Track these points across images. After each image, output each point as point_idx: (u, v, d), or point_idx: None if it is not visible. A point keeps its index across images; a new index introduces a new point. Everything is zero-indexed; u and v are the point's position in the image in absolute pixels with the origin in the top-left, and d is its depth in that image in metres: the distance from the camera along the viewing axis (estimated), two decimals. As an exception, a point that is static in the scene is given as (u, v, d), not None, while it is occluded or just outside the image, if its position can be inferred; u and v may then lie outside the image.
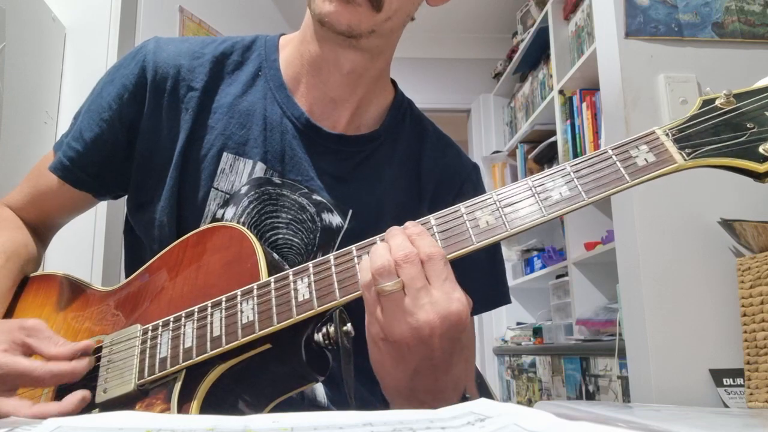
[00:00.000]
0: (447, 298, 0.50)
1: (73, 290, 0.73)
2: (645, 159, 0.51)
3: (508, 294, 0.87)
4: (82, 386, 0.61)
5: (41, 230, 0.85)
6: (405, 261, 0.50)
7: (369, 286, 0.52)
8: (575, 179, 0.52)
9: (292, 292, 0.56)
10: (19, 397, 0.57)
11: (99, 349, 0.63)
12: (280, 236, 0.76)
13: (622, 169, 0.51)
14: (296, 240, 0.76)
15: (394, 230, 0.54)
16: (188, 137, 0.75)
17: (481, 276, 0.83)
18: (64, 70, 1.72)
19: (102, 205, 1.55)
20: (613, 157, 0.52)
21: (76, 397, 0.57)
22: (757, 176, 0.50)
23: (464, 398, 0.57)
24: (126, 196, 0.82)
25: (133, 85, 0.76)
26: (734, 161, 0.50)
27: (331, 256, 0.56)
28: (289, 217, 0.76)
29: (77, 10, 1.74)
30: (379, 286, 0.51)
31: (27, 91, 1.54)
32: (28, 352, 0.59)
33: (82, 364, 0.58)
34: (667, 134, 0.52)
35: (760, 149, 0.49)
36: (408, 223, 0.55)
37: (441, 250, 0.52)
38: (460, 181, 0.85)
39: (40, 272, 0.78)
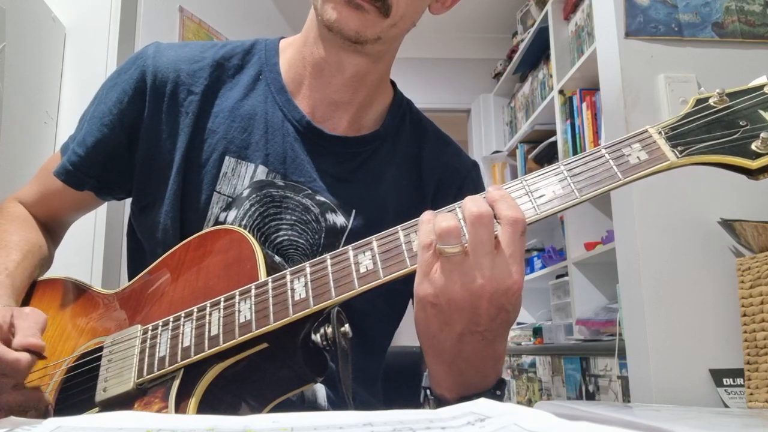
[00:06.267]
0: (507, 268, 0.49)
1: (78, 293, 0.74)
2: (638, 157, 0.52)
3: None
4: (84, 384, 0.62)
5: (51, 227, 0.86)
6: (478, 221, 0.49)
7: (428, 246, 0.50)
8: (568, 177, 0.52)
9: (289, 291, 0.56)
10: None
11: (100, 349, 0.64)
12: (285, 237, 0.76)
13: (614, 167, 0.52)
14: (301, 241, 0.76)
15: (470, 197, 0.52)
16: (189, 141, 0.76)
17: None
18: (64, 70, 1.72)
19: (102, 208, 1.55)
20: (606, 155, 0.52)
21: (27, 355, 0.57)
22: (750, 173, 0.50)
23: (501, 381, 0.57)
24: (128, 199, 0.83)
25: (133, 89, 0.77)
26: (726, 158, 0.50)
27: (327, 255, 0.57)
28: (294, 218, 0.76)
29: (77, 10, 1.74)
30: (440, 247, 0.49)
31: (27, 91, 1.54)
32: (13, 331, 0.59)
33: (24, 360, 0.57)
34: (660, 132, 0.52)
35: (752, 146, 0.49)
36: (491, 187, 0.53)
37: (523, 216, 0.50)
38: (460, 178, 0.86)
39: (45, 277, 0.80)
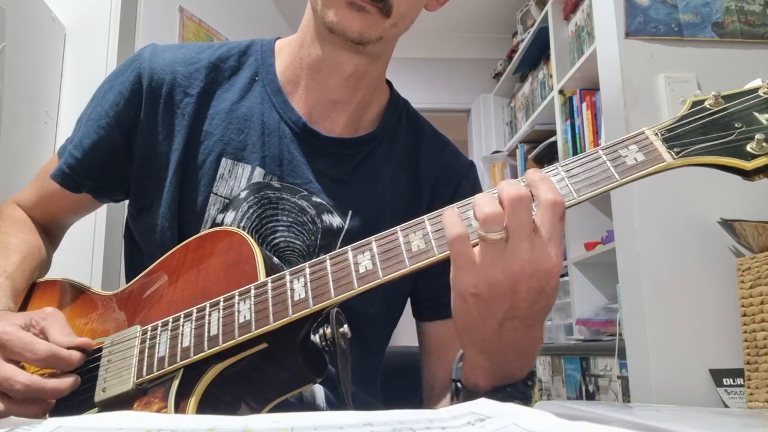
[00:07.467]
0: (545, 251, 0.49)
1: (77, 294, 0.74)
2: (634, 158, 0.52)
3: None
4: (82, 385, 0.62)
5: (50, 229, 0.87)
6: (518, 203, 0.48)
7: (459, 238, 0.50)
8: (566, 178, 0.53)
9: (288, 291, 0.56)
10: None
11: (99, 350, 0.64)
12: (282, 239, 0.76)
13: (611, 168, 0.52)
14: (298, 242, 0.76)
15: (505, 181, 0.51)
16: (186, 143, 0.76)
17: None
18: (64, 70, 1.72)
19: (102, 210, 1.55)
20: (603, 156, 0.53)
21: (70, 377, 0.59)
22: (745, 174, 0.51)
23: (533, 373, 0.57)
24: (126, 201, 0.83)
25: (129, 91, 0.77)
26: (722, 159, 0.51)
27: (326, 256, 0.57)
28: (290, 219, 0.76)
29: (77, 10, 1.74)
30: (483, 234, 0.49)
31: (27, 91, 1.54)
32: (42, 334, 0.61)
33: (76, 356, 0.60)
34: (656, 134, 0.53)
35: (748, 148, 0.50)
36: (530, 171, 0.53)
37: (562, 199, 0.50)
38: (457, 179, 0.86)
39: (44, 279, 0.80)
